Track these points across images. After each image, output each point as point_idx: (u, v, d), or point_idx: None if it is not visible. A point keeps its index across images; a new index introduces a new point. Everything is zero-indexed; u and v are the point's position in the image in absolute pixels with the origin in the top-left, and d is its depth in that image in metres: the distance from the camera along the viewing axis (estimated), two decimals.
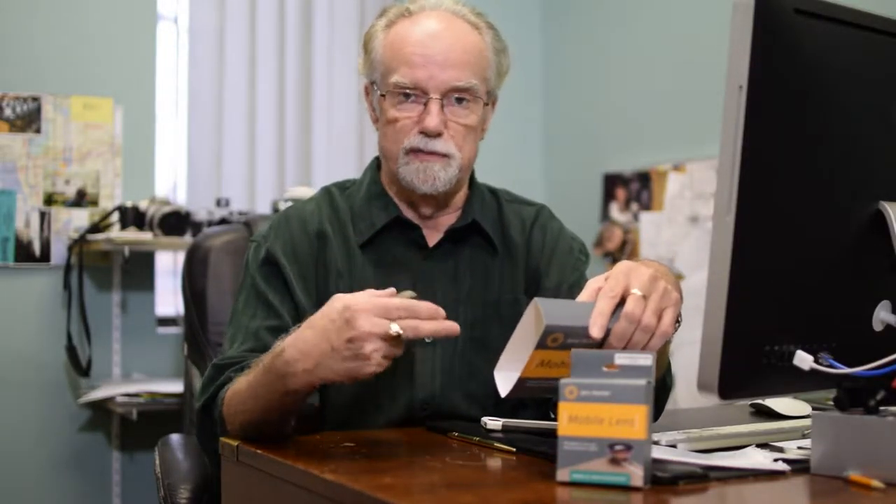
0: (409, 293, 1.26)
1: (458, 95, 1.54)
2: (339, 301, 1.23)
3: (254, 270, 1.56)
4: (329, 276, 1.55)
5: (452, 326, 1.22)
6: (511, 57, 1.63)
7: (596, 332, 1.14)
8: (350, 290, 1.55)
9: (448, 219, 1.62)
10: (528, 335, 1.17)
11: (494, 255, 1.62)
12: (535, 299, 1.15)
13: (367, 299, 1.21)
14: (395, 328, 1.18)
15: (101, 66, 3.45)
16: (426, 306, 1.22)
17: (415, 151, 1.54)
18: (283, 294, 1.53)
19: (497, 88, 1.62)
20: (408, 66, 1.52)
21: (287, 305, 1.52)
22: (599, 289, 1.19)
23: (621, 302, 1.17)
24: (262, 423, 1.33)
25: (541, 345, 1.12)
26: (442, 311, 1.22)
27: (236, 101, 3.78)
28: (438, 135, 1.53)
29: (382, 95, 1.56)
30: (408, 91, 1.53)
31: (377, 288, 1.55)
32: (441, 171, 1.54)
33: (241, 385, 1.36)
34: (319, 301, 1.54)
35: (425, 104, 1.53)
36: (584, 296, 1.20)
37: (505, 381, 1.18)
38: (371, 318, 1.19)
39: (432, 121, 1.52)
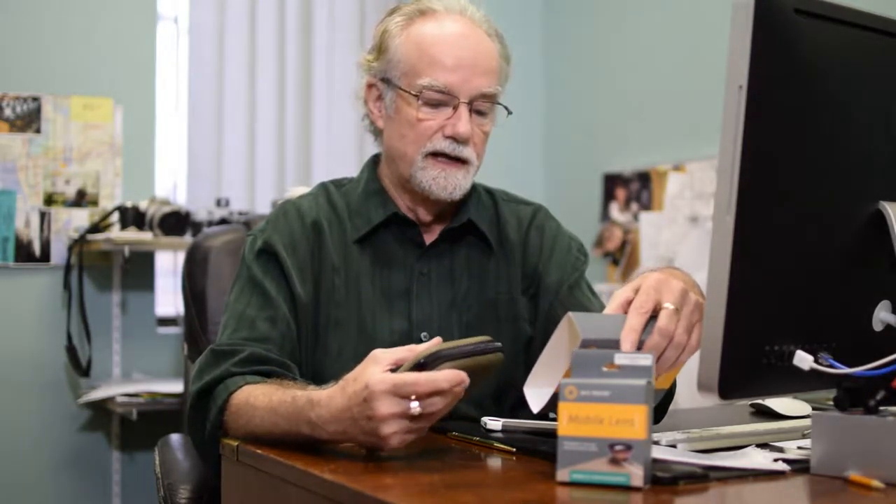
0: (483, 339, 1.20)
1: (483, 102, 1.52)
2: (362, 377, 1.17)
3: (250, 261, 1.54)
4: (325, 270, 1.55)
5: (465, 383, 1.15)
6: (511, 57, 1.62)
7: (627, 347, 1.14)
8: (346, 284, 1.55)
9: (444, 219, 1.61)
10: (560, 350, 1.18)
11: (490, 254, 1.62)
12: (569, 314, 1.16)
13: (385, 381, 1.14)
14: (415, 408, 1.13)
15: (101, 66, 3.45)
16: (448, 378, 1.14)
17: (436, 155, 1.52)
18: (280, 284, 1.52)
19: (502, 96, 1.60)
20: (440, 68, 1.50)
21: (283, 295, 1.51)
22: (627, 301, 1.19)
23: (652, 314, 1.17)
24: (277, 440, 1.31)
25: None
26: (464, 377, 1.14)
27: (236, 100, 3.78)
28: (466, 141, 1.52)
29: (404, 93, 1.52)
30: (439, 94, 1.50)
31: (374, 284, 1.55)
32: (462, 179, 1.53)
33: (257, 403, 1.33)
34: (317, 294, 1.54)
35: (454, 108, 1.51)
36: (611, 307, 1.21)
37: (537, 397, 1.19)
38: (388, 399, 1.14)
39: (466, 127, 1.50)
